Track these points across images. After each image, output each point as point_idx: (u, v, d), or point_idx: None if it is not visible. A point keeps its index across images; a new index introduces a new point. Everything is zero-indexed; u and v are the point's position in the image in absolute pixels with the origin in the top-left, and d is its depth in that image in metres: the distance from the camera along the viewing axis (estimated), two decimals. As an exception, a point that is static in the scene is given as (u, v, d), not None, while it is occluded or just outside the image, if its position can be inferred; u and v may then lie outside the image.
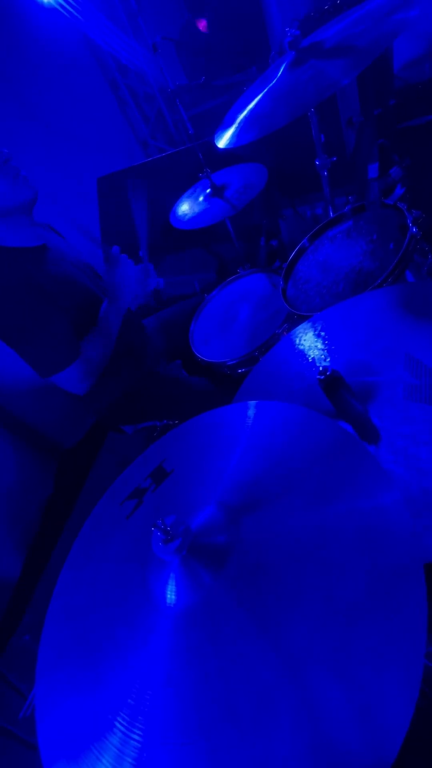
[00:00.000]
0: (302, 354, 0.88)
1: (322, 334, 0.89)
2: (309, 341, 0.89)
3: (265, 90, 1.17)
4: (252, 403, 0.67)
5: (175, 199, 1.78)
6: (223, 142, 1.21)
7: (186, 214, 1.66)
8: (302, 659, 0.41)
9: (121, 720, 0.45)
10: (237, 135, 1.17)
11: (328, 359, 0.83)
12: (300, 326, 0.93)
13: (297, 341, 0.91)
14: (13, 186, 1.09)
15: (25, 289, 1.08)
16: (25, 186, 1.12)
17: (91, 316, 1.24)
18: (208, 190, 1.65)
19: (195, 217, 1.61)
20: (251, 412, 0.66)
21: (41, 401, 2.01)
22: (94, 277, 1.37)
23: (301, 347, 0.89)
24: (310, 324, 0.92)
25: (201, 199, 1.67)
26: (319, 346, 0.87)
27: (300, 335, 0.92)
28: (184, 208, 1.70)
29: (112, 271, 1.29)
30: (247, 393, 0.88)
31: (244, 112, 1.20)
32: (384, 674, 0.38)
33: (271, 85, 1.16)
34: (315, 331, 0.90)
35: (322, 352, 0.85)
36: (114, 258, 1.29)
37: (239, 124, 1.19)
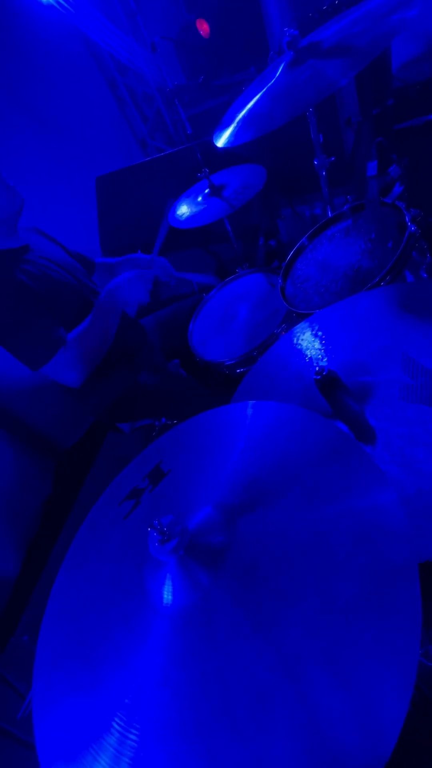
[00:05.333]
0: (300, 354, 0.88)
1: (320, 333, 0.89)
2: (307, 341, 0.89)
3: (264, 90, 1.17)
4: (250, 403, 0.67)
5: (174, 199, 1.77)
6: (221, 141, 1.21)
7: (184, 214, 1.66)
8: (298, 658, 0.41)
9: (118, 720, 0.46)
10: (235, 134, 1.16)
11: (326, 359, 0.83)
12: (298, 326, 0.93)
13: (295, 341, 0.91)
14: None
15: (5, 286, 1.12)
16: (10, 196, 1.15)
17: (78, 313, 1.26)
18: (206, 190, 1.65)
19: (193, 217, 1.61)
20: (249, 412, 0.66)
21: (40, 401, 2.01)
22: (84, 276, 1.38)
23: (299, 347, 0.89)
24: (307, 324, 0.92)
25: (199, 198, 1.66)
26: (317, 345, 0.87)
27: (298, 335, 0.92)
28: (183, 208, 1.70)
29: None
30: (245, 393, 0.88)
31: (243, 112, 1.20)
32: (379, 672, 0.38)
33: (269, 84, 1.16)
34: (313, 330, 0.90)
35: (319, 351, 0.86)
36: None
37: (238, 123, 1.19)
